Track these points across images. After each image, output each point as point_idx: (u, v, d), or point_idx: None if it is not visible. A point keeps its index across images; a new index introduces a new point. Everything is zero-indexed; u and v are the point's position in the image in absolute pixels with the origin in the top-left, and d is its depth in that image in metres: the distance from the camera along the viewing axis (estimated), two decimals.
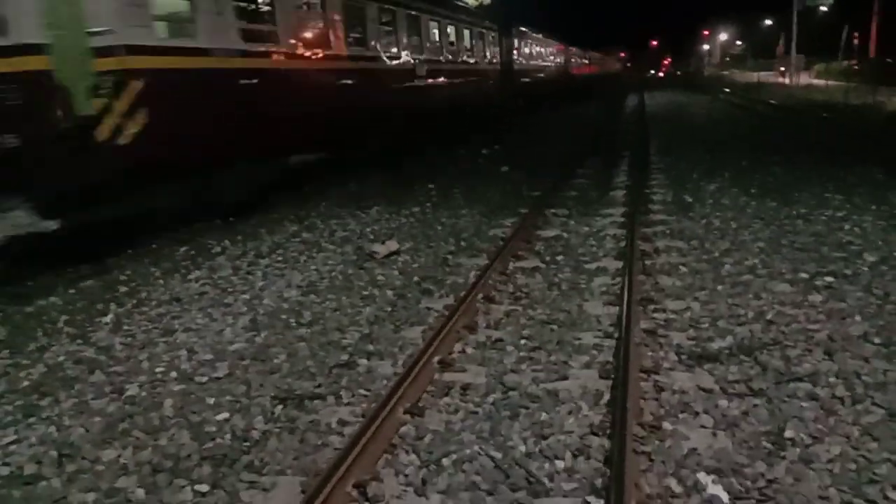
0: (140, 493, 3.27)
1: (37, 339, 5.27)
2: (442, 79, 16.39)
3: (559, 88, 34.81)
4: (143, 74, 6.96)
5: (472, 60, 19.34)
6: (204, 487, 3.28)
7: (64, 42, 6.47)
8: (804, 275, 5.81)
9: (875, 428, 3.45)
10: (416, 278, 6.31)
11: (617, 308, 5.18)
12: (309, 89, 10.35)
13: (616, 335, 4.69)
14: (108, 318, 5.64)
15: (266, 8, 9.41)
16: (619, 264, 6.31)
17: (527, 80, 27.24)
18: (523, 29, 26.74)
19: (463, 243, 7.52)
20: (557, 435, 3.52)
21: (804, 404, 3.70)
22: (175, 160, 7.48)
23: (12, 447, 3.73)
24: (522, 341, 4.76)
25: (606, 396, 3.90)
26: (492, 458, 3.35)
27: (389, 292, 5.97)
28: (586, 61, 52.01)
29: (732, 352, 4.38)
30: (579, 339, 4.75)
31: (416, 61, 14.66)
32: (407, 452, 3.46)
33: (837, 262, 6.11)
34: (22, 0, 6.55)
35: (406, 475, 3.27)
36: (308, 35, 10.32)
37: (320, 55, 10.59)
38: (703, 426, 3.55)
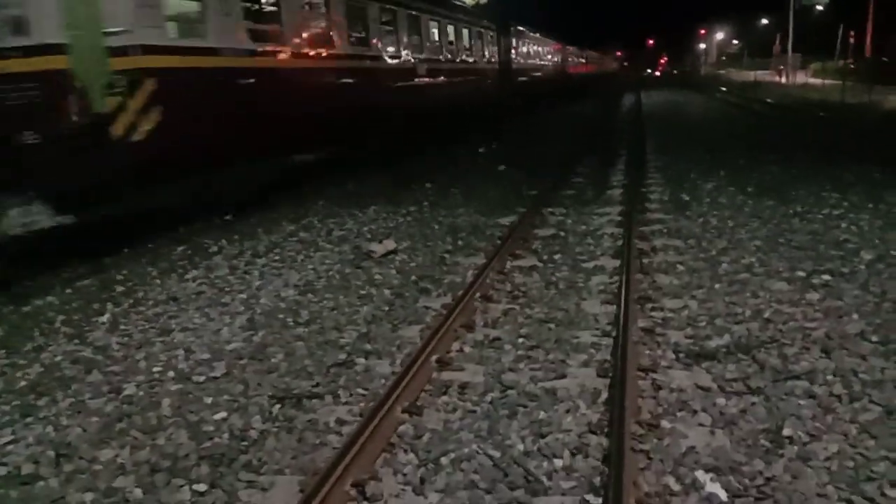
0: (138, 492, 3.26)
1: (34, 339, 5.25)
2: (442, 78, 16.48)
3: (556, 88, 34.84)
4: (156, 73, 7.14)
5: (470, 60, 19.42)
6: (202, 487, 3.27)
7: (82, 42, 6.64)
8: (801, 273, 5.82)
9: (873, 426, 3.45)
10: (413, 277, 6.31)
11: (615, 307, 5.18)
12: (313, 88, 10.52)
13: (614, 334, 4.69)
14: (104, 318, 5.63)
15: (272, 9, 9.58)
16: (617, 263, 6.32)
17: (524, 79, 27.26)
18: (521, 28, 26.76)
19: (460, 242, 7.52)
20: (556, 433, 3.52)
21: (802, 402, 3.71)
22: (186, 157, 7.66)
23: (9, 447, 3.72)
24: (520, 340, 4.76)
25: (604, 395, 3.90)
26: (490, 457, 3.35)
27: (387, 291, 5.96)
28: (583, 60, 52.02)
29: (730, 350, 4.38)
30: (577, 337, 4.75)
31: (417, 61, 14.75)
32: (405, 451, 3.45)
33: (834, 261, 6.12)
34: (43, 1, 6.69)
35: (404, 474, 3.27)
36: (312, 35, 10.51)
37: (324, 55, 10.76)
38: (701, 424, 3.55)
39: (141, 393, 4.27)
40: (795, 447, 3.30)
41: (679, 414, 3.65)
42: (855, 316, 4.84)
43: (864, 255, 6.22)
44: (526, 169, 12.32)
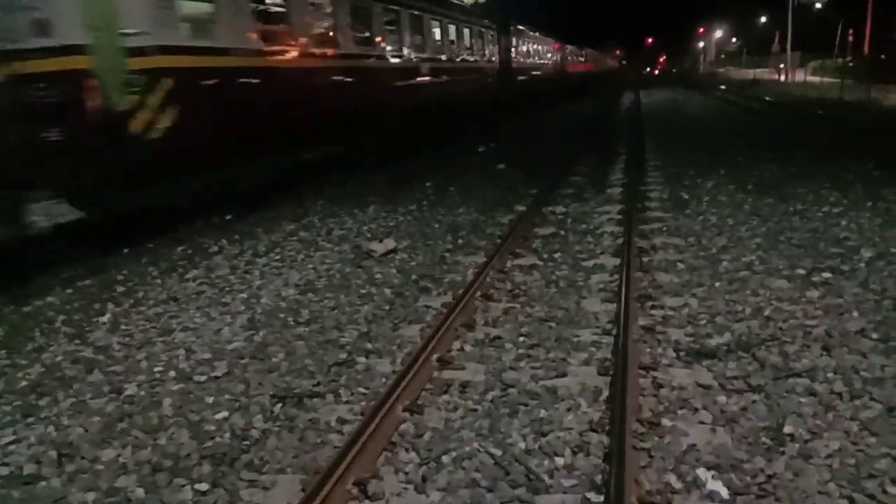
0: (140, 492, 3.27)
1: (34, 340, 5.25)
2: (444, 77, 16.61)
3: (556, 87, 34.86)
4: (172, 73, 7.37)
5: (472, 59, 19.52)
6: (204, 486, 3.28)
7: (101, 42, 6.85)
8: (801, 271, 5.83)
9: (873, 423, 3.46)
10: (413, 276, 6.31)
11: (615, 305, 5.19)
12: (320, 87, 10.73)
13: (614, 332, 4.70)
14: (105, 318, 5.63)
15: (280, 10, 9.78)
16: (617, 261, 6.32)
17: (524, 77, 27.28)
18: (521, 27, 26.78)
19: (461, 241, 7.52)
20: (557, 432, 3.53)
21: (803, 400, 3.71)
22: (199, 153, 7.88)
23: (11, 447, 3.72)
24: (521, 338, 4.76)
25: (605, 393, 3.91)
26: (491, 456, 3.35)
27: (387, 290, 5.96)
28: (582, 59, 52.03)
29: (731, 348, 4.39)
30: (578, 336, 4.76)
31: (419, 60, 14.89)
32: (406, 450, 3.46)
33: (834, 258, 6.13)
34: (66, 4, 6.91)
35: (406, 473, 3.27)
36: (319, 35, 10.78)
37: (330, 54, 10.98)
38: (702, 422, 3.55)
39: (142, 393, 4.27)
40: (796, 445, 3.31)
41: (680, 412, 3.66)
42: (855, 313, 4.85)
43: (863, 253, 6.23)
44: (525, 168, 12.32)
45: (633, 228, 7.18)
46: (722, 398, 3.77)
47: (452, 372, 4.29)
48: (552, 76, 35.29)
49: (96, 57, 6.87)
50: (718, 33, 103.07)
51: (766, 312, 4.95)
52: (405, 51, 14.08)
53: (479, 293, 5.53)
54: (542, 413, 3.72)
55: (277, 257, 7.19)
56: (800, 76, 47.82)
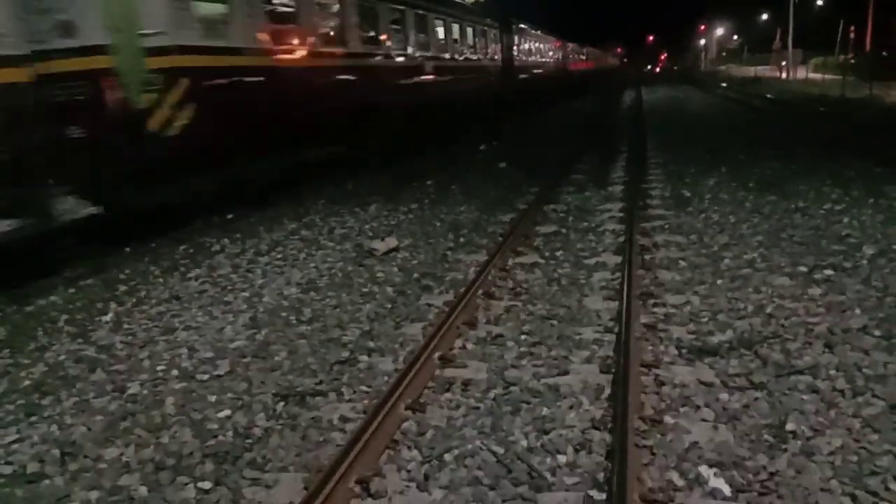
0: (143, 490, 3.27)
1: (37, 339, 5.27)
2: (448, 76, 16.79)
3: (558, 84, 34.84)
4: (188, 72, 7.61)
5: (474, 57, 19.64)
6: (207, 485, 3.28)
7: (122, 42, 7.11)
8: (803, 268, 5.82)
9: (876, 420, 3.46)
10: (415, 275, 6.32)
11: (617, 303, 5.19)
12: (329, 86, 10.97)
13: (616, 330, 4.70)
14: (108, 317, 5.64)
15: (291, 10, 9.96)
16: (619, 259, 6.32)
17: (526, 76, 27.29)
18: (523, 26, 26.80)
19: (462, 239, 7.52)
20: (559, 429, 3.53)
21: (805, 397, 3.71)
22: (214, 150, 8.12)
23: (14, 446, 3.73)
24: (523, 337, 4.77)
25: (607, 391, 3.91)
26: (493, 453, 3.36)
27: (389, 289, 5.97)
28: (584, 57, 51.96)
29: (733, 345, 4.39)
30: (580, 334, 4.76)
31: (424, 59, 15.08)
32: (409, 448, 3.46)
33: (836, 255, 6.12)
34: (89, 6, 7.18)
35: (408, 471, 3.27)
36: (328, 35, 11.02)
37: (338, 53, 11.20)
38: (704, 420, 3.55)
39: (145, 391, 4.28)
40: (799, 442, 3.31)
41: (682, 409, 3.66)
42: (857, 310, 4.84)
43: (865, 250, 6.22)
44: (527, 166, 12.32)
45: (634, 226, 7.17)
46: (724, 395, 3.77)
47: (454, 370, 4.29)
48: (554, 74, 35.26)
49: (117, 57, 7.13)
50: (720, 31, 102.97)
51: (768, 310, 4.95)
52: (410, 49, 14.25)
53: (480, 291, 5.53)
54: (545, 411, 3.72)
55: (279, 256, 7.20)
56: (801, 73, 47.73)
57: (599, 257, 6.52)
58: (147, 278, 6.65)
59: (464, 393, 4.01)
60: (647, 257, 6.36)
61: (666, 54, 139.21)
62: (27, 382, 4.51)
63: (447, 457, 3.36)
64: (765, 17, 77.71)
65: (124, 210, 7.85)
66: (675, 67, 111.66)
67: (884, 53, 39.00)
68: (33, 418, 4.02)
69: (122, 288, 6.38)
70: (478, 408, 3.82)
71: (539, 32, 31.03)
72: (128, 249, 7.70)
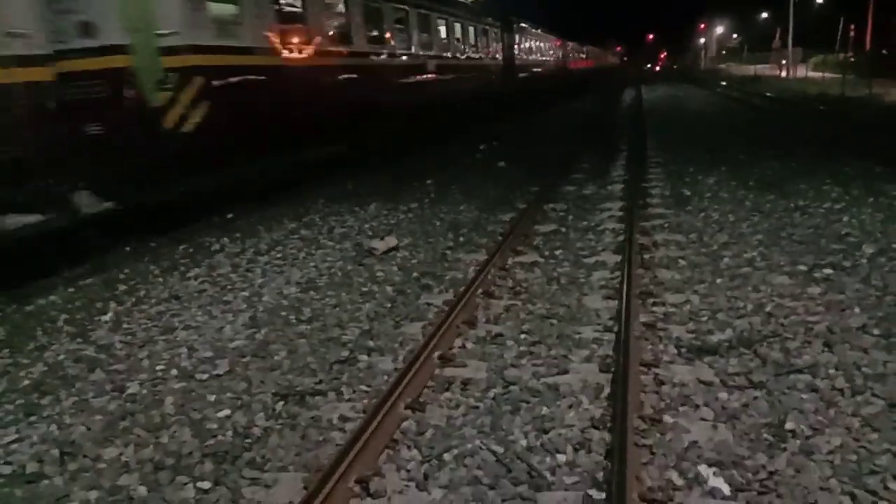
0: (142, 490, 3.27)
1: (37, 339, 5.27)
2: (450, 75, 16.95)
3: (558, 83, 34.86)
4: (202, 71, 7.84)
5: (476, 56, 19.78)
6: (206, 484, 3.28)
7: (139, 42, 7.39)
8: (803, 267, 5.82)
9: (875, 419, 3.46)
10: (415, 274, 6.31)
11: (616, 302, 5.18)
12: (336, 84, 11.19)
13: (616, 329, 4.70)
14: (107, 317, 5.64)
15: (298, 10, 10.17)
16: (618, 258, 6.32)
17: (526, 75, 27.33)
18: (523, 25, 26.82)
19: (462, 239, 7.52)
20: (558, 429, 3.53)
21: (804, 396, 3.71)
22: (227, 147, 8.34)
23: (14, 446, 3.73)
24: (522, 336, 4.77)
25: (607, 390, 3.91)
26: (493, 453, 3.35)
27: (389, 288, 5.97)
28: (583, 56, 51.95)
29: (732, 344, 4.39)
30: (579, 333, 4.75)
31: (427, 58, 15.24)
32: (408, 448, 3.46)
33: (836, 254, 6.12)
34: (108, 7, 7.42)
35: (408, 470, 3.27)
36: (335, 34, 11.25)
37: (345, 53, 11.40)
38: (703, 419, 3.55)
39: (144, 391, 4.28)
40: (798, 441, 3.31)
41: (681, 408, 3.66)
42: (857, 309, 4.84)
43: (865, 249, 6.22)
44: (526, 166, 12.32)
45: (634, 225, 7.17)
46: (723, 395, 3.77)
47: (454, 369, 4.29)
48: (554, 73, 35.28)
49: (134, 56, 7.36)
50: (719, 29, 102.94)
51: (768, 309, 4.95)
52: (414, 49, 14.43)
53: (480, 290, 5.53)
54: (544, 410, 3.72)
55: (279, 255, 7.20)
56: (801, 72, 47.71)
57: (599, 256, 6.52)
58: (146, 278, 6.65)
59: (463, 392, 4.01)
60: (646, 256, 6.36)
61: (666, 53, 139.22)
62: (26, 382, 4.51)
63: (447, 456, 3.36)
64: (765, 15, 77.75)
65: (138, 206, 7.99)
66: (675, 66, 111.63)
67: (884, 52, 38.98)
68: (32, 418, 4.02)
69: (122, 287, 6.38)
70: (477, 407, 3.82)
71: (539, 31, 31.04)
72: (127, 249, 7.70)
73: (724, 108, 26.91)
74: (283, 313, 5.49)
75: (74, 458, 3.57)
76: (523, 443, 3.43)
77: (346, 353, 4.64)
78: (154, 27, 7.39)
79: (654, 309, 5.09)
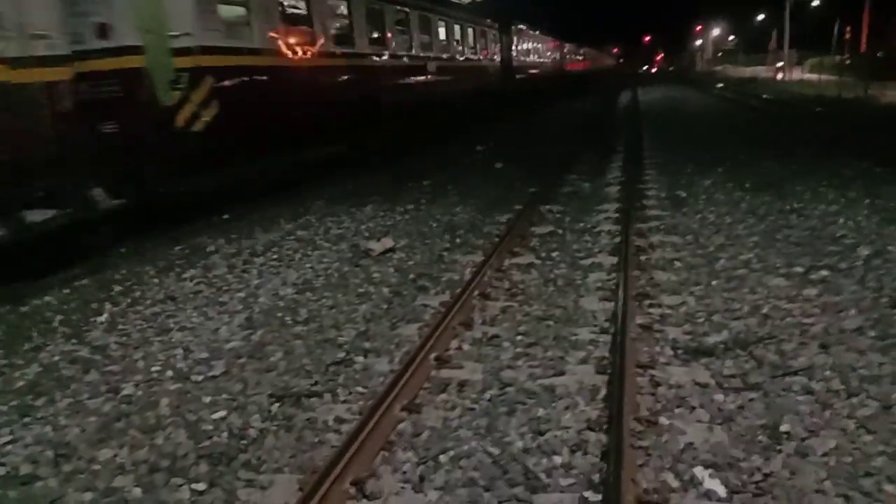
0: (137, 492, 3.26)
1: (31, 339, 5.25)
2: (449, 76, 17.09)
3: (555, 84, 34.92)
4: (213, 71, 8.08)
5: (475, 58, 19.92)
6: (201, 486, 3.27)
7: (152, 43, 7.63)
8: (799, 269, 5.83)
9: (870, 421, 3.46)
10: (411, 275, 6.31)
11: (612, 303, 5.18)
12: (339, 84, 11.40)
13: (612, 330, 4.69)
14: (102, 318, 5.62)
15: (304, 12, 10.38)
16: (615, 260, 6.32)
17: (524, 76, 27.41)
18: (521, 26, 26.90)
19: (458, 240, 7.52)
20: (554, 430, 3.52)
21: (800, 398, 3.71)
22: (235, 146, 8.58)
23: (8, 447, 3.71)
24: (519, 337, 4.76)
25: (603, 392, 3.91)
26: (489, 455, 3.35)
27: (385, 289, 5.96)
28: (580, 57, 51.99)
29: (728, 346, 4.39)
30: (575, 334, 4.75)
31: (427, 59, 15.42)
32: (404, 449, 3.46)
33: (832, 256, 6.13)
34: (123, 8, 7.65)
35: (404, 472, 3.27)
36: (339, 36, 11.45)
37: (346, 53, 11.60)
38: (699, 421, 3.55)
39: (139, 392, 4.27)
40: (793, 443, 3.31)
41: (677, 410, 3.66)
42: (853, 311, 4.85)
43: (861, 251, 6.23)
44: (524, 167, 12.32)
45: (630, 227, 7.17)
46: (719, 396, 3.77)
47: (450, 371, 4.29)
48: (551, 74, 35.35)
49: (148, 56, 7.57)
50: (716, 31, 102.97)
51: (764, 310, 4.95)
52: (414, 50, 14.61)
53: (476, 292, 5.53)
54: (540, 412, 3.72)
55: (275, 257, 7.19)
56: (797, 74, 47.81)
57: (595, 258, 6.52)
58: (142, 279, 6.64)
59: (459, 394, 4.01)
60: (642, 258, 6.36)
61: (662, 54, 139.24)
62: (21, 383, 4.49)
63: (443, 458, 3.35)
64: (761, 17, 77.82)
65: (150, 202, 8.13)
66: (672, 68, 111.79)
67: (879, 54, 39.09)
68: (27, 419, 4.01)
69: (117, 288, 6.37)
70: (473, 409, 3.81)
71: (537, 33, 31.09)
72: (123, 250, 7.68)
73: (720, 109, 26.97)
74: (279, 314, 5.48)
75: (69, 460, 3.55)
76: (519, 444, 3.42)
77: (342, 355, 4.63)
78: (166, 29, 7.60)
79: (651, 311, 5.09)
